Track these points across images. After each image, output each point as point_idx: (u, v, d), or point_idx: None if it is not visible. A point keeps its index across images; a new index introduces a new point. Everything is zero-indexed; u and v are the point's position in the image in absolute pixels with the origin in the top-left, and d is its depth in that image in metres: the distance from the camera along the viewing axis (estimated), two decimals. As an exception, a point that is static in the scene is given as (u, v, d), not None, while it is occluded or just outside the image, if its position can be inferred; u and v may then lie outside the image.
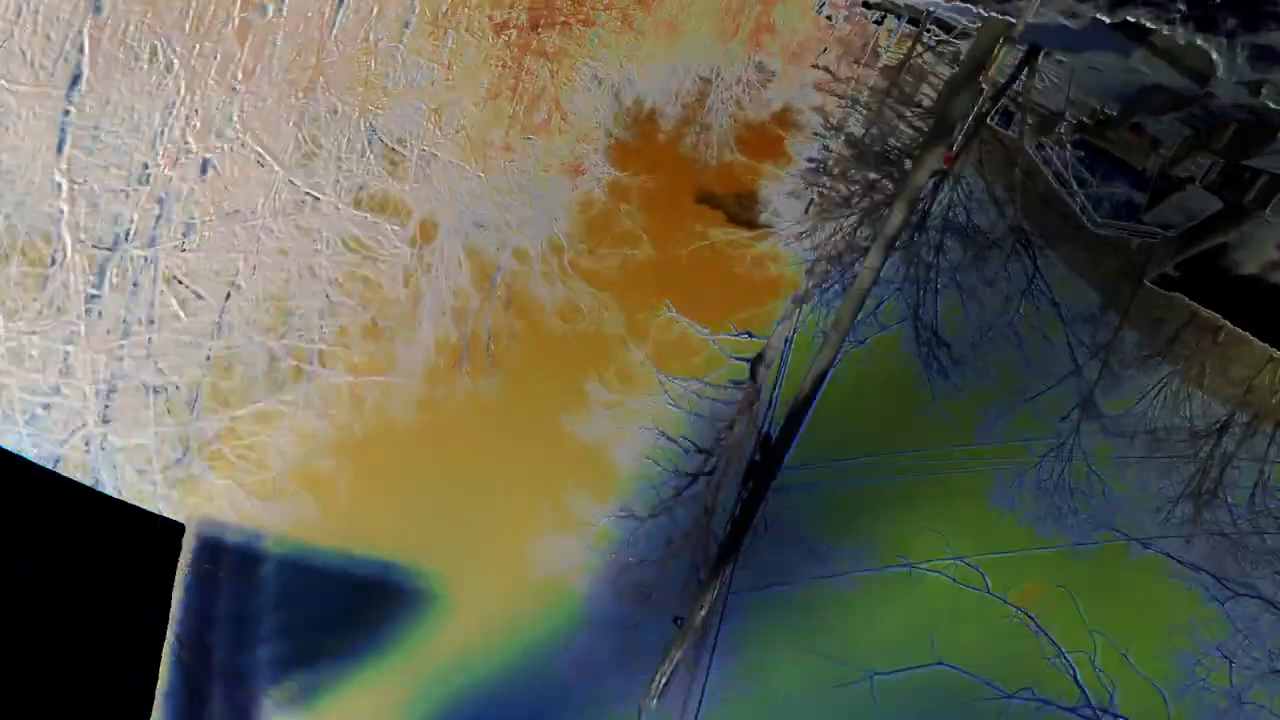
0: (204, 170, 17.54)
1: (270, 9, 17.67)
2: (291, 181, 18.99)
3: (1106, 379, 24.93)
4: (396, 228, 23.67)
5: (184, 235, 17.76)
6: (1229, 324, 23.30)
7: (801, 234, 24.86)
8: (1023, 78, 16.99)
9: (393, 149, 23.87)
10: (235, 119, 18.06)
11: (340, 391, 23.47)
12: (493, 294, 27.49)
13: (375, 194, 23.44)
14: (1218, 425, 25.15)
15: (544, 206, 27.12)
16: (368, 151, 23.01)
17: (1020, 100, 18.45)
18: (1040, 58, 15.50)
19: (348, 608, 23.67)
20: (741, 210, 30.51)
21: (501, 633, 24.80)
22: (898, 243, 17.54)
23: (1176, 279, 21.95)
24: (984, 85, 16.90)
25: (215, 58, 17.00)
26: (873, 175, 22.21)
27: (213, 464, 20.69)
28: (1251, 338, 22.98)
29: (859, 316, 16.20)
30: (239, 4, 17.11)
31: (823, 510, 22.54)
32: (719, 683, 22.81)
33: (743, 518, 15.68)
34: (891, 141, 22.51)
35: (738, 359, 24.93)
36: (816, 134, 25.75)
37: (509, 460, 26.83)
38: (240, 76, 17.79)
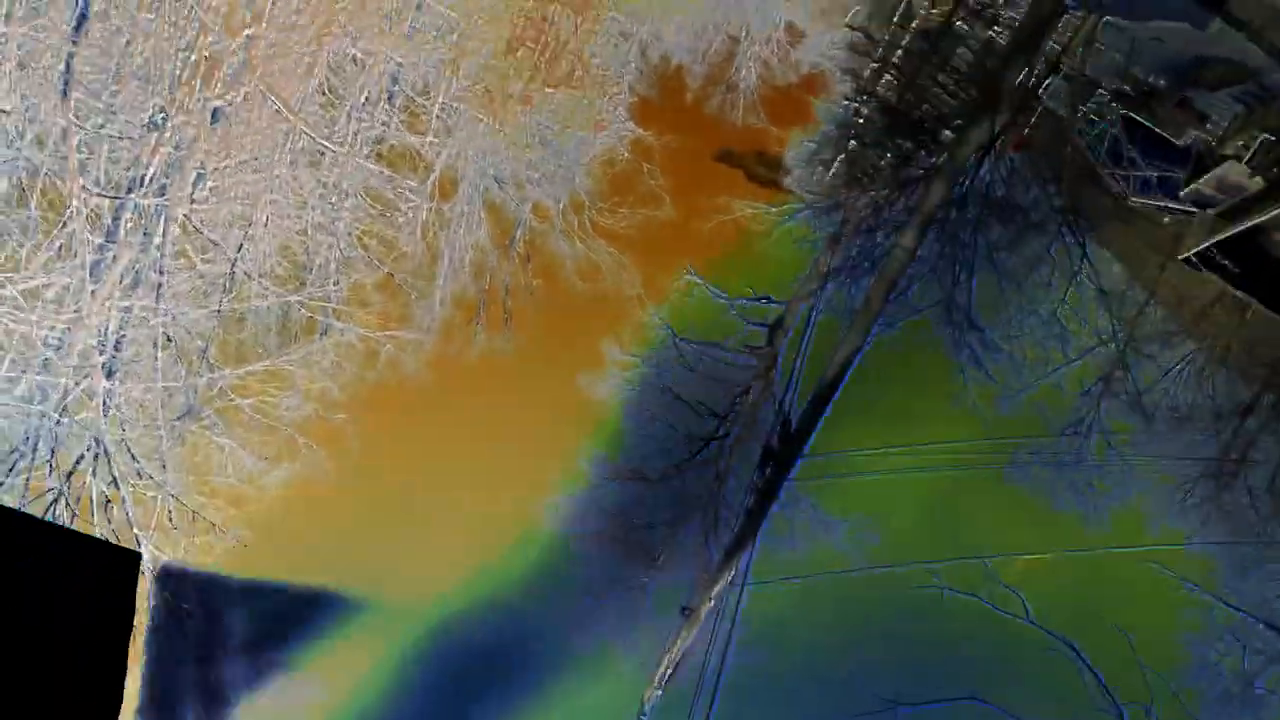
0: (215, 118, 16.88)
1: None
2: (306, 133, 18.28)
3: (1130, 355, 24.18)
4: (415, 183, 23.00)
5: (195, 185, 17.14)
6: (1258, 304, 22.57)
7: (828, 204, 23.96)
8: (1081, 47, 15.99)
9: (413, 100, 23.18)
10: (249, 66, 17.36)
11: (354, 347, 22.95)
12: (511, 251, 26.89)
13: (395, 147, 22.77)
14: (1243, 406, 24.46)
15: (566, 163, 26.42)
16: (386, 103, 22.33)
17: (1076, 72, 17.39)
18: (1100, 25, 14.52)
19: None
20: (761, 170, 29.73)
21: (509, 589, 24.44)
22: (935, 221, 16.56)
23: (1210, 258, 21.14)
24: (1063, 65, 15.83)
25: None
26: (906, 144, 21.18)
27: (221, 418, 20.24)
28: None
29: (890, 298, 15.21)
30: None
31: (842, 500, 21.76)
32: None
33: (758, 507, 14.75)
34: (928, 109, 21.42)
35: (755, 325, 24.24)
36: (847, 99, 24.76)
37: (522, 417, 26.37)
38: (252, 20, 17.05)
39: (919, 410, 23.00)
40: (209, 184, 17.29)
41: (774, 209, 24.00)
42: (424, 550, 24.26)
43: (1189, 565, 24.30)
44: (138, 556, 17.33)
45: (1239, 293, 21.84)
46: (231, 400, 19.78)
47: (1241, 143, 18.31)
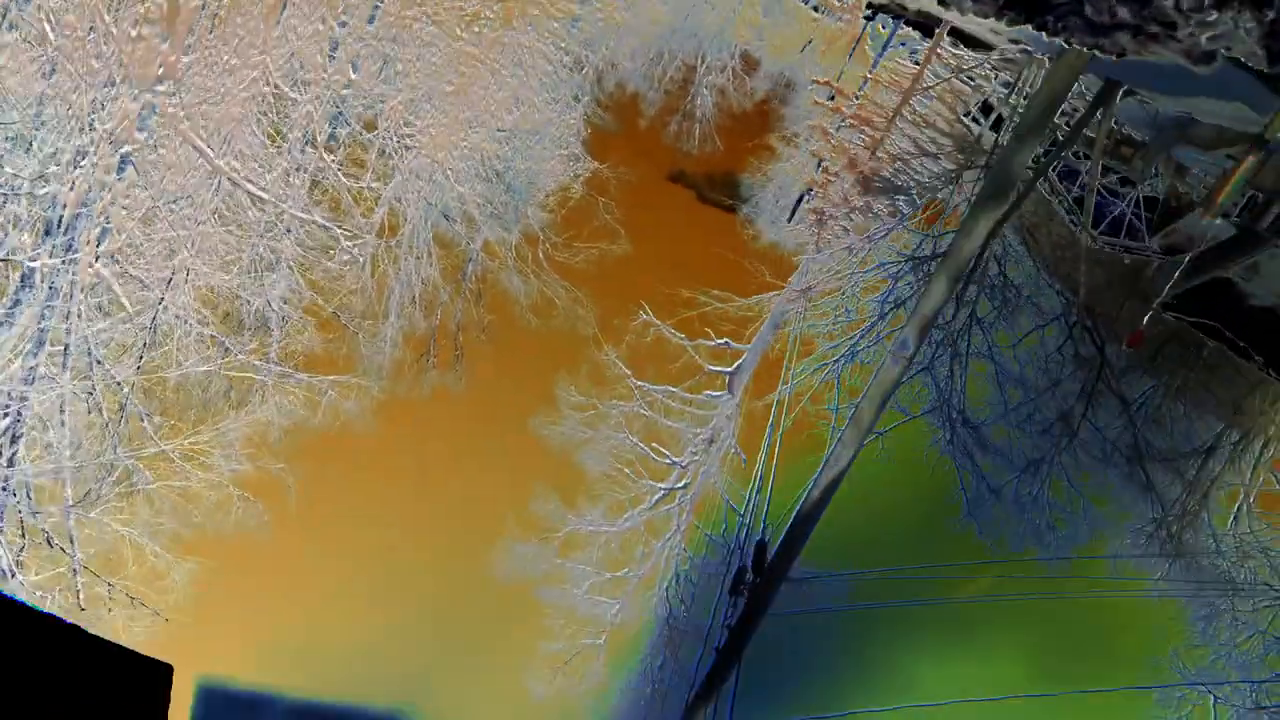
0: (123, 167, 14.76)
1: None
2: (231, 179, 16.22)
3: (1089, 395, 22.74)
4: (360, 220, 20.98)
5: (101, 238, 15.02)
6: (1219, 345, 21.25)
7: (797, 290, 22.07)
8: (1098, 120, 14.30)
9: (358, 136, 21.21)
10: (170, 108, 15.28)
11: (296, 391, 20.88)
12: (464, 286, 25.00)
13: (337, 185, 20.73)
14: (1204, 447, 23.23)
15: (517, 197, 24.56)
16: (329, 139, 20.32)
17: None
18: (1118, 98, 12.88)
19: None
20: (714, 194, 28.10)
21: (461, 646, 22.47)
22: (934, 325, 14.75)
23: (1182, 305, 19.72)
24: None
25: (145, 38, 14.17)
26: (879, 203, 19.36)
27: (150, 476, 18.10)
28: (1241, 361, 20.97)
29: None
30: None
31: (825, 637, 19.81)
32: None
33: (731, 645, 12.80)
34: (910, 173, 19.61)
35: (715, 369, 22.40)
36: (813, 153, 22.98)
37: (473, 460, 24.49)
38: (178, 57, 14.98)
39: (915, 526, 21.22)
40: (122, 237, 15.17)
41: (746, 301, 21.89)
42: (367, 598, 22.28)
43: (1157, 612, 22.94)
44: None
45: (1204, 336, 20.46)
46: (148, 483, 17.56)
47: (1230, 200, 16.92)
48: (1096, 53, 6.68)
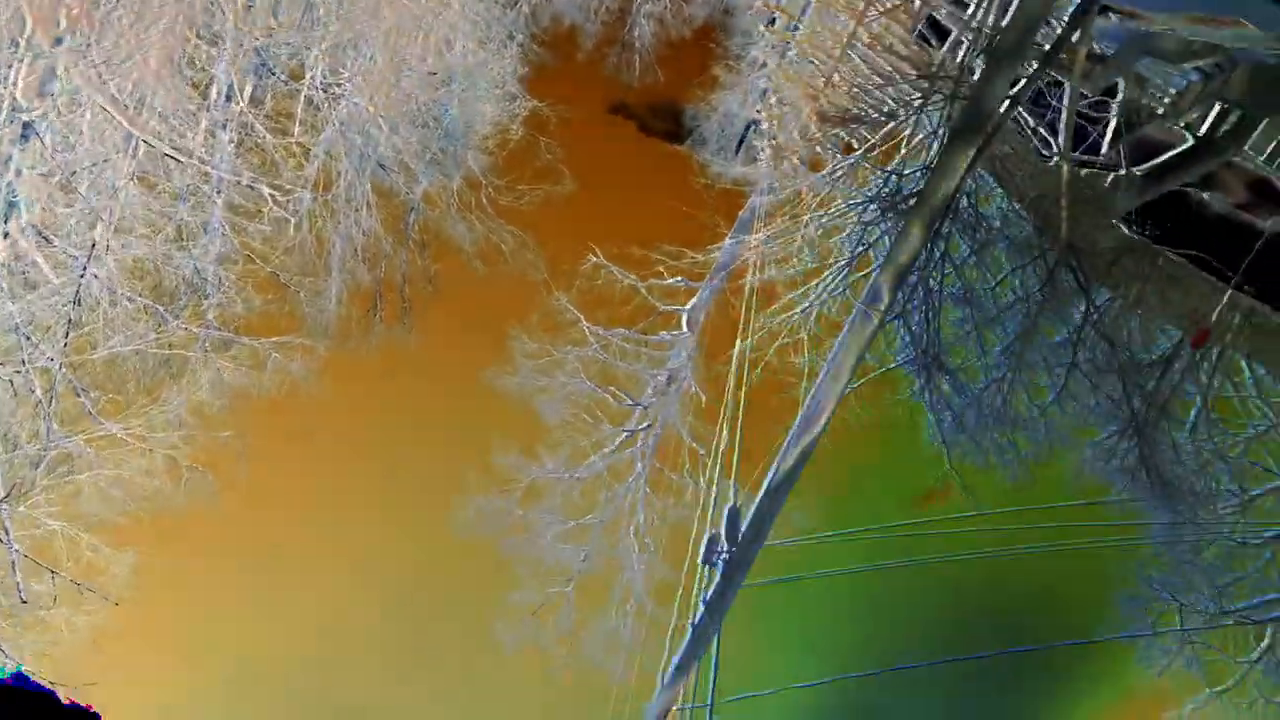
0: (26, 135, 13.60)
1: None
2: (147, 140, 15.08)
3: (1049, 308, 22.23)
4: (290, 175, 19.86)
5: (12, 211, 13.91)
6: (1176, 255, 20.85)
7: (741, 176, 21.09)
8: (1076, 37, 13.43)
9: (282, 88, 20.01)
10: (83, 64, 14.09)
11: (239, 356, 19.93)
12: (407, 237, 23.98)
13: (266, 139, 19.57)
14: (1164, 357, 22.88)
15: (457, 143, 23.47)
16: (252, 92, 19.13)
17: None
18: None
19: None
20: (658, 123, 27.15)
21: (426, 603, 21.89)
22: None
23: (1141, 218, 19.23)
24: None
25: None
26: (834, 135, 18.36)
27: (93, 452, 17.16)
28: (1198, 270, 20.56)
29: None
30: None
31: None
32: None
33: (709, 619, 12.10)
34: (867, 100, 18.59)
35: (670, 308, 21.64)
36: (759, 71, 21.94)
37: (428, 415, 23.70)
38: (83, 11, 13.77)
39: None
40: (36, 208, 14.05)
41: (699, 256, 20.81)
42: (324, 564, 21.58)
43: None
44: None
45: (1168, 251, 19.99)
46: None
47: (1195, 112, 16.31)
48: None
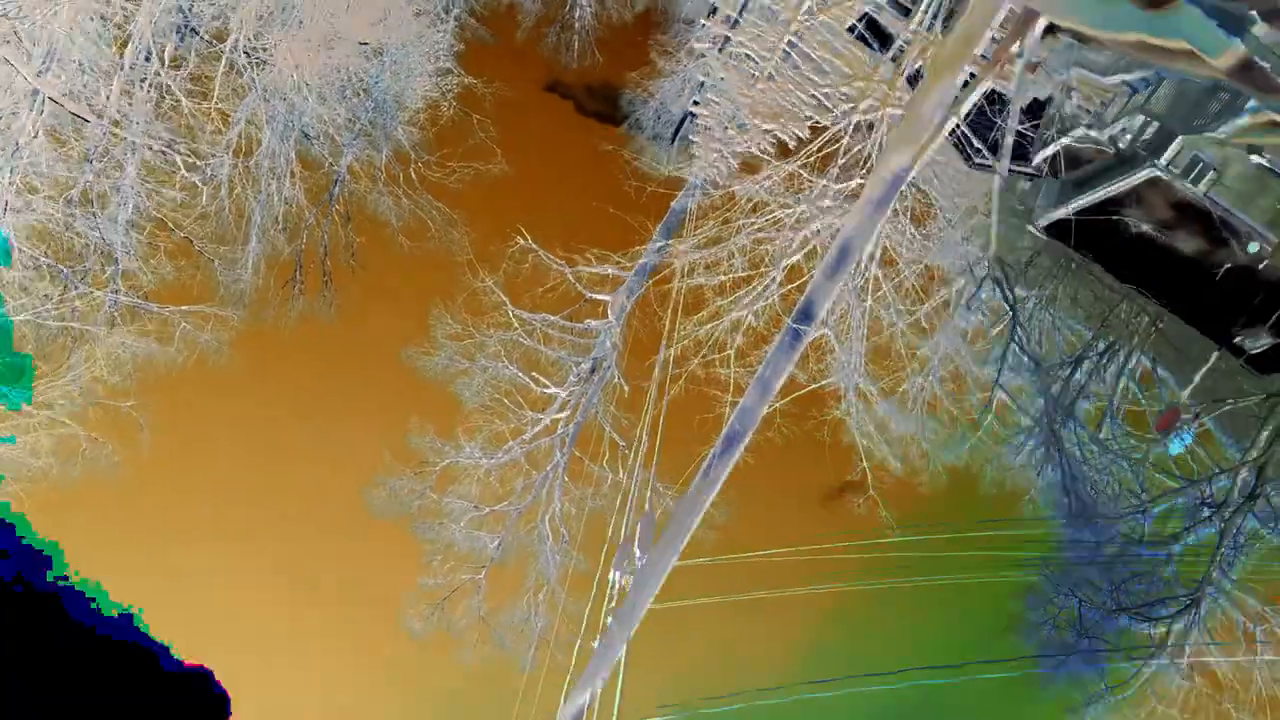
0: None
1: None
2: (53, 98, 14.18)
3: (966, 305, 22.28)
4: (208, 143, 18.97)
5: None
6: (1091, 263, 21.05)
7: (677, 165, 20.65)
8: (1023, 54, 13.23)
9: (209, 46, 19.08)
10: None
11: (148, 323, 19.04)
12: (330, 209, 23.16)
13: (183, 102, 18.64)
14: (1072, 357, 23.17)
15: (387, 116, 22.67)
16: (172, 52, 18.20)
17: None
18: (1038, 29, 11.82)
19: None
20: (593, 104, 26.64)
21: (331, 586, 21.28)
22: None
23: (1063, 228, 19.30)
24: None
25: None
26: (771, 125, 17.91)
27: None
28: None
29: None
30: None
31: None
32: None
33: (617, 630, 11.54)
34: (800, 97, 18.18)
35: (595, 296, 21.20)
36: (698, 60, 21.46)
37: (345, 393, 23.02)
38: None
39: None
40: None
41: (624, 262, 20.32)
42: (228, 542, 20.83)
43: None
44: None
45: (1077, 253, 20.12)
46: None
47: (1121, 124, 16.36)
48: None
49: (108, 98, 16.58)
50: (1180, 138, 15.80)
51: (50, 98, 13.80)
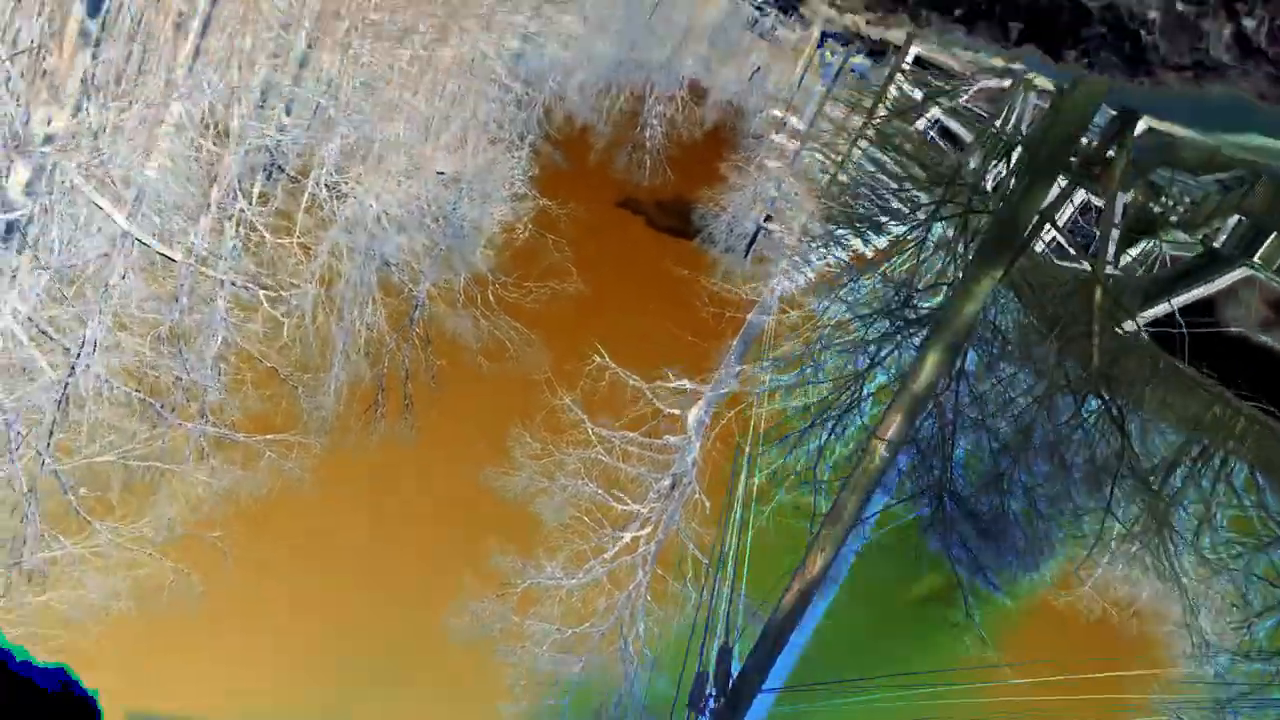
0: (9, 234, 13.00)
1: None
2: (140, 240, 14.51)
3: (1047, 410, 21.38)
4: (289, 274, 19.27)
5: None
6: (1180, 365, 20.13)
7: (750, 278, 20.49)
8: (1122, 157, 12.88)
9: (292, 182, 19.57)
10: (70, 166, 13.55)
11: (234, 452, 19.11)
12: (411, 332, 23.37)
13: (267, 238, 19.01)
14: (1166, 462, 22.05)
15: (465, 238, 23.00)
16: (262, 185, 18.69)
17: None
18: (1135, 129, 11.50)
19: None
20: (665, 219, 26.78)
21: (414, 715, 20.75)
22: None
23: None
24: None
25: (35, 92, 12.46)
26: (847, 235, 17.66)
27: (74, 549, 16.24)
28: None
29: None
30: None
31: None
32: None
33: None
34: (880, 202, 17.96)
35: (673, 411, 20.89)
36: (769, 172, 21.51)
37: (426, 516, 22.84)
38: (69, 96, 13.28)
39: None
40: (26, 308, 13.41)
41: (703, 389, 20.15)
42: (314, 668, 20.48)
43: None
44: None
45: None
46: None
47: (1215, 223, 15.80)
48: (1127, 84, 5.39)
49: (195, 237, 16.93)
50: (1276, 234, 15.23)
51: (140, 240, 14.12)
